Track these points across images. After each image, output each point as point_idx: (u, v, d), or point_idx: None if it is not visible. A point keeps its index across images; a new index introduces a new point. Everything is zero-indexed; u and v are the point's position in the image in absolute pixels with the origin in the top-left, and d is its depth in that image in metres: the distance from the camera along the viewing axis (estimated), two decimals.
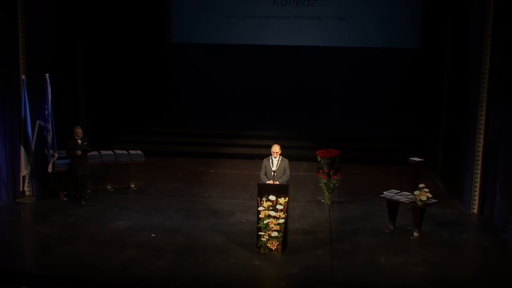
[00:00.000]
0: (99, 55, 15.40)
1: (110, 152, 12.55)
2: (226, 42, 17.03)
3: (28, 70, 11.41)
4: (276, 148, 9.52)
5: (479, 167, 10.96)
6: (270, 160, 9.54)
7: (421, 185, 9.94)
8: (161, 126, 17.09)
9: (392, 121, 16.35)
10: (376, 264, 8.76)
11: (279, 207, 8.87)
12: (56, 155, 11.58)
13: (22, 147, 11.30)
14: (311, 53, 16.81)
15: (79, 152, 11.23)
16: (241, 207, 11.26)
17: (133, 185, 12.53)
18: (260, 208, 8.94)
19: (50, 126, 11.39)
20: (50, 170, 11.54)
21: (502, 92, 10.28)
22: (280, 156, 9.53)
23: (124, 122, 16.69)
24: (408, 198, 10.04)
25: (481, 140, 10.91)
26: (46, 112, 11.34)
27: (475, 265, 8.99)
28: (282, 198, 8.92)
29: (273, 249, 8.89)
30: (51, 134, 11.42)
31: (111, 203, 11.38)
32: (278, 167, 9.46)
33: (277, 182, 9.35)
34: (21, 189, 11.46)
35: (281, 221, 8.86)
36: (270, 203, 8.90)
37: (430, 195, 9.81)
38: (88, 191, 11.75)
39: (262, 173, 9.58)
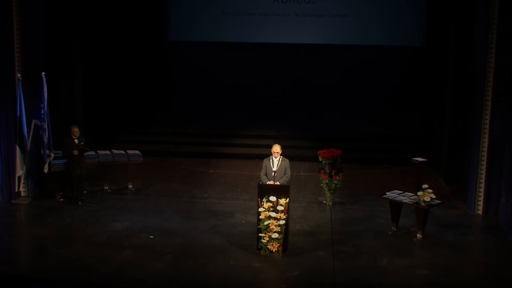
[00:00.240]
0: (97, 53, 15.39)
1: (108, 152, 12.55)
2: (226, 40, 17.02)
3: (24, 68, 11.40)
4: (276, 148, 9.50)
5: (483, 167, 10.95)
6: (271, 160, 9.53)
7: (425, 186, 9.93)
8: (159, 126, 17.09)
9: (395, 120, 16.34)
10: (379, 266, 8.75)
11: (279, 208, 8.86)
12: (52, 155, 11.57)
13: (17, 147, 11.29)
14: (313, 51, 16.80)
15: (75, 152, 11.22)
16: (241, 208, 11.25)
17: (131, 186, 12.52)
18: (261, 209, 8.93)
19: (46, 125, 11.38)
20: (46, 170, 11.52)
21: (507, 90, 10.28)
22: (281, 156, 9.53)
23: (122, 121, 16.68)
24: (411, 199, 10.03)
25: (486, 140, 10.90)
26: (42, 111, 11.33)
27: (480, 268, 8.97)
28: (283, 199, 8.91)
29: (274, 251, 8.88)
30: (47, 134, 11.41)
31: (109, 204, 11.37)
32: (279, 167, 9.46)
33: (277, 183, 9.34)
34: (16, 190, 11.45)
35: (282, 222, 8.85)
36: (271, 204, 8.89)
37: (433, 196, 9.80)
38: (85, 191, 11.75)
39: (262, 173, 9.57)
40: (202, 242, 9.51)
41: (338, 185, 11.44)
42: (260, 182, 9.42)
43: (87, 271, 8.40)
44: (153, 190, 12.44)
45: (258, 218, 8.97)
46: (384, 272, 8.57)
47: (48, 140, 11.46)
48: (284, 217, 8.88)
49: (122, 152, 12.66)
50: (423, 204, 9.74)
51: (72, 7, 14.06)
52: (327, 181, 11.41)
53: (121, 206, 11.29)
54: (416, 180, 12.12)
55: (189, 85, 17.43)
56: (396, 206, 10.20)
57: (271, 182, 9.34)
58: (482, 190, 11.00)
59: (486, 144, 10.90)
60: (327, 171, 11.48)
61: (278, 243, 8.87)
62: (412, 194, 10.21)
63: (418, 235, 9.87)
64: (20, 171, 11.39)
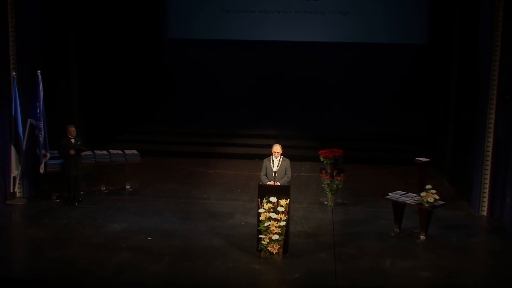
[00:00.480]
0: (93, 51, 15.38)
1: (105, 152, 12.55)
2: (225, 38, 16.99)
3: (19, 67, 11.39)
4: (277, 148, 9.50)
5: (488, 167, 10.95)
6: (271, 160, 9.52)
7: (428, 186, 9.92)
8: (157, 125, 17.08)
9: (398, 120, 16.31)
10: (381, 269, 8.75)
11: (280, 209, 8.85)
12: (48, 155, 11.56)
13: (12, 147, 11.28)
14: (314, 49, 16.76)
15: (72, 152, 11.21)
16: (241, 209, 11.25)
17: (129, 186, 12.52)
18: (261, 210, 8.92)
19: (42, 124, 11.37)
20: (42, 170, 11.52)
21: None
22: (281, 156, 9.52)
23: (119, 120, 16.66)
24: (415, 200, 10.03)
25: (491, 139, 10.89)
26: (38, 110, 11.32)
27: (484, 270, 8.97)
28: (284, 200, 8.90)
29: (274, 252, 8.87)
30: (43, 133, 11.41)
31: (106, 205, 11.36)
32: (279, 167, 9.45)
33: (278, 183, 9.33)
34: (11, 191, 11.44)
35: (282, 223, 8.84)
36: (271, 205, 8.88)
37: (437, 197, 9.79)
38: (82, 192, 11.74)
39: (262, 173, 9.56)
40: (201, 244, 9.50)
41: (339, 186, 11.44)
42: (260, 183, 9.42)
43: (83, 273, 8.39)
44: (151, 191, 12.44)
45: (258, 219, 8.96)
46: (387, 275, 8.57)
47: (44, 140, 11.46)
48: (285, 218, 8.87)
49: (120, 152, 12.66)
50: (426, 205, 9.74)
51: (68, 3, 14.05)
52: (328, 181, 11.40)
53: (119, 207, 11.29)
54: (419, 181, 12.06)
55: (188, 83, 17.41)
56: (399, 207, 10.19)
57: (272, 183, 9.34)
58: (486, 190, 10.99)
59: (491, 144, 10.90)
60: (329, 171, 11.47)
61: (278, 245, 8.86)
62: (415, 194, 10.21)
63: (421, 236, 9.86)
64: (15, 172, 11.38)
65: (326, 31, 16.75)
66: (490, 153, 10.91)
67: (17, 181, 11.50)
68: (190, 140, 16.34)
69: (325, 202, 11.69)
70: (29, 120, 11.41)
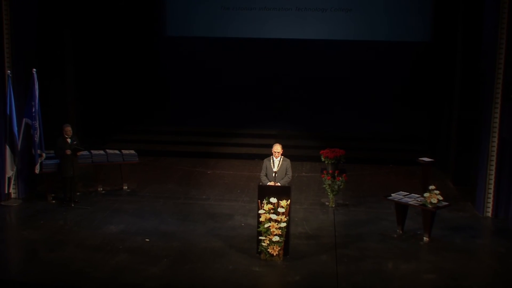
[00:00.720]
0: (89, 49, 15.37)
1: (102, 151, 12.54)
2: (224, 35, 17.00)
3: (14, 65, 11.38)
4: (277, 148, 9.49)
5: (493, 167, 10.94)
6: (271, 160, 9.52)
7: (432, 187, 9.92)
8: (155, 124, 17.09)
9: (400, 119, 16.32)
10: (384, 271, 8.75)
11: (280, 210, 8.85)
12: (43, 155, 11.55)
13: (7, 147, 11.26)
14: (315, 47, 16.76)
15: (68, 152, 11.21)
16: (241, 210, 11.25)
17: (126, 187, 12.51)
18: (261, 211, 8.92)
19: (37, 124, 11.35)
20: (37, 171, 11.50)
21: None
22: (282, 156, 9.51)
23: (116, 120, 16.68)
24: (418, 201, 10.02)
25: (496, 139, 10.89)
26: (33, 110, 11.30)
27: (489, 272, 8.95)
28: (284, 201, 8.90)
29: (275, 254, 8.87)
30: (38, 133, 11.39)
31: (103, 206, 11.36)
32: (280, 167, 9.44)
33: (278, 184, 9.33)
34: (6, 191, 11.43)
35: (283, 225, 8.83)
36: (271, 206, 8.88)
37: (441, 198, 9.78)
38: (78, 193, 11.75)
39: (262, 174, 9.55)
40: (200, 246, 9.50)
41: (341, 186, 11.43)
42: (260, 183, 9.42)
43: (80, 275, 8.39)
44: (149, 192, 12.43)
45: (258, 220, 8.96)
46: (389, 277, 8.56)
47: (40, 140, 11.44)
48: (285, 219, 8.87)
49: (117, 152, 12.65)
50: (429, 206, 9.73)
51: (64, 1, 14.03)
52: (330, 182, 11.40)
53: (116, 208, 11.28)
54: (422, 181, 12.11)
55: (186, 82, 17.41)
56: (402, 208, 10.18)
57: (272, 183, 9.33)
58: (491, 191, 10.99)
59: (495, 144, 10.90)
60: (330, 171, 11.47)
61: (279, 247, 8.85)
62: (418, 195, 10.20)
63: (424, 238, 9.86)
64: (10, 172, 11.36)
65: (328, 29, 16.75)
66: (494, 153, 10.91)
67: (12, 182, 11.48)
68: (188, 139, 16.35)
69: (327, 203, 11.69)
70: (24, 119, 11.40)
